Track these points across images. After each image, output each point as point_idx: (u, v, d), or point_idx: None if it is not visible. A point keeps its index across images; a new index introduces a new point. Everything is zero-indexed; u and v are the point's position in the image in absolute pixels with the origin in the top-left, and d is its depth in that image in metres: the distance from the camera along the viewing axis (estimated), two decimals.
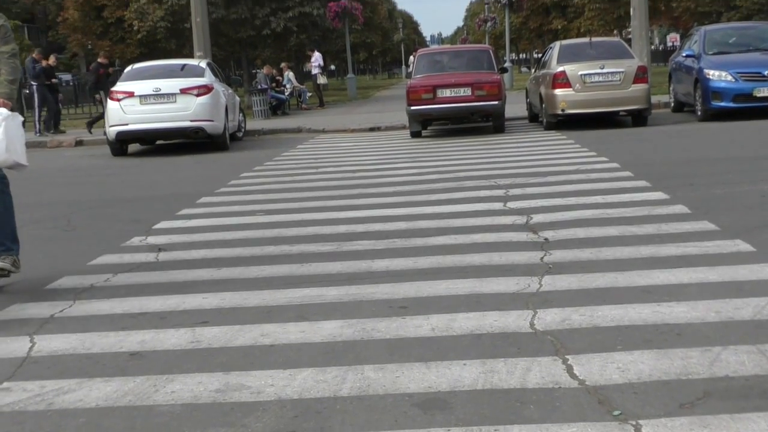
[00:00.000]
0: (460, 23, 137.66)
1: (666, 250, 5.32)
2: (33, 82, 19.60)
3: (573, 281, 4.74)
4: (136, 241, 6.70)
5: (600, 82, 14.33)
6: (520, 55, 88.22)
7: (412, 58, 17.51)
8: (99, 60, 20.32)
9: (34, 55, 19.89)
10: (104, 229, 7.31)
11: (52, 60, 20.32)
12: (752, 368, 3.32)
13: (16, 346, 4.16)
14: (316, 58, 26.57)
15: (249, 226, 7.06)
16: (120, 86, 14.46)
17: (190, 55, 23.72)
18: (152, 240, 6.71)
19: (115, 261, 5.99)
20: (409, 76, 16.06)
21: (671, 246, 5.42)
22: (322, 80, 27.00)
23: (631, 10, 19.76)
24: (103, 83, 19.26)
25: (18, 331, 4.41)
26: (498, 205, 7.34)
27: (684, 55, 15.68)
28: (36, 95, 19.66)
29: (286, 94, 25.32)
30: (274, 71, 25.98)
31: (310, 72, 27.21)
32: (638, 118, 14.59)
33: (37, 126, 19.89)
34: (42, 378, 3.68)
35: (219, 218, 7.57)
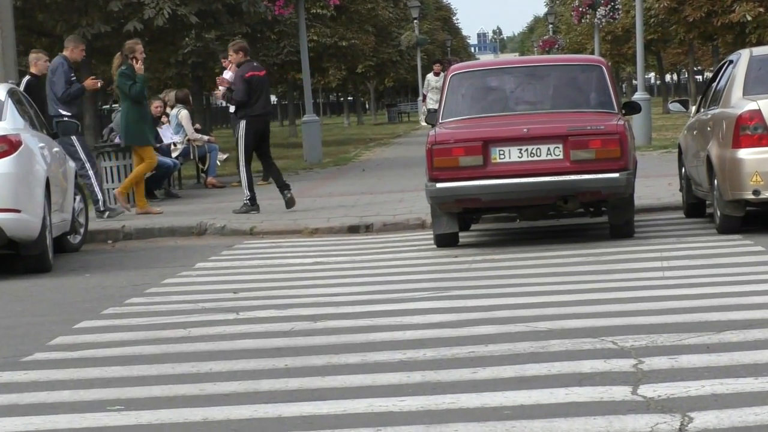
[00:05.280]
0: (539, 11, 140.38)
1: None
2: None
3: None
4: None
5: None
6: (666, 77, 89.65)
7: (428, 79, 17.65)
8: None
9: None
10: None
11: None
12: None
13: None
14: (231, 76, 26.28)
15: None
16: None
17: None
18: None
19: None
20: (431, 120, 16.25)
21: None
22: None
23: None
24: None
25: None
26: (621, 392, 7.38)
27: None
28: None
29: (175, 154, 25.54)
30: (155, 106, 26.23)
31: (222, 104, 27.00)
32: None
33: None
34: None
35: (28, 418, 7.58)
